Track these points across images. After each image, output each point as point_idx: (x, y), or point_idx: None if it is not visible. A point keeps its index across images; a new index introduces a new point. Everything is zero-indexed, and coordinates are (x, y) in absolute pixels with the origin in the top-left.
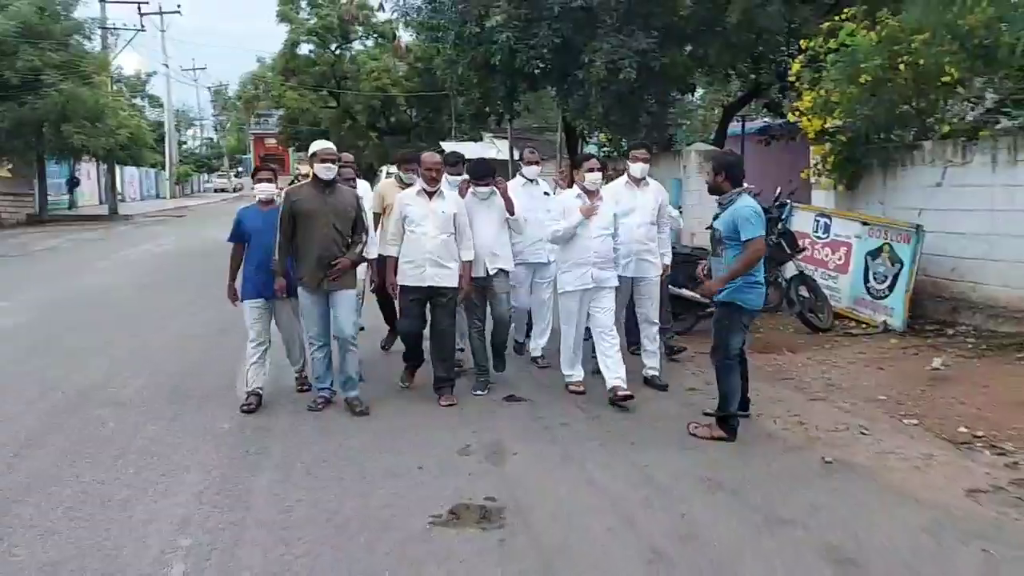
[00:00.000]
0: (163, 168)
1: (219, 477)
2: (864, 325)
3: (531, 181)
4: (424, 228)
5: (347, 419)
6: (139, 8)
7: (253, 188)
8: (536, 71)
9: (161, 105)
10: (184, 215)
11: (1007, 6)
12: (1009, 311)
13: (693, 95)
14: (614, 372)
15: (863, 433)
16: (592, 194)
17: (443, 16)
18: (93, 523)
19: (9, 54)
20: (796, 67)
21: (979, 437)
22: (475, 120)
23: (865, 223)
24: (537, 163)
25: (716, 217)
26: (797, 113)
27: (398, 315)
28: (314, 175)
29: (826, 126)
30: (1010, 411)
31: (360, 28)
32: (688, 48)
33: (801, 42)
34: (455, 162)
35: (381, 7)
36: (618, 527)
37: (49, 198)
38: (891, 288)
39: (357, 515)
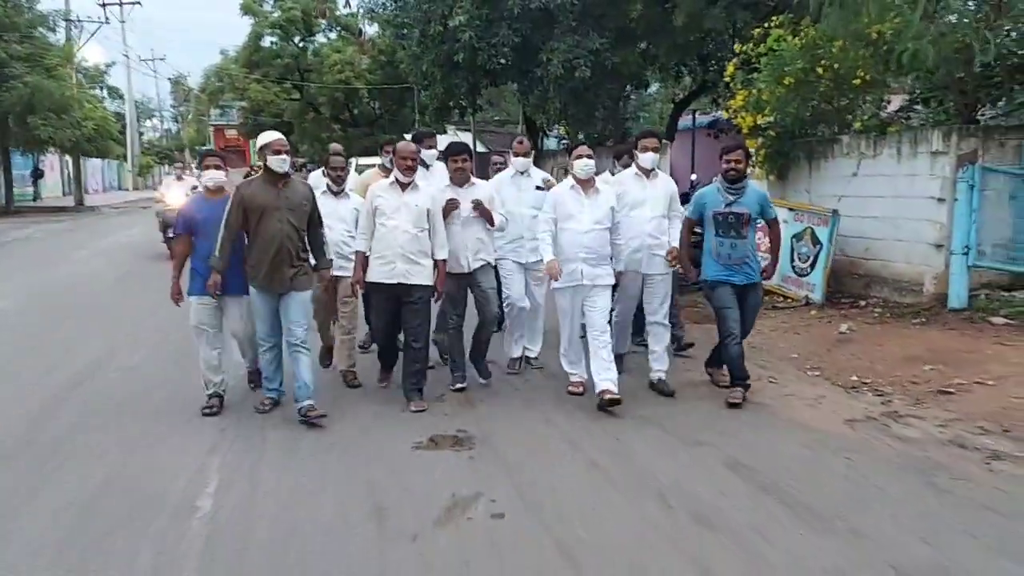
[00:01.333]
0: (125, 160)
1: (235, 421)
2: (789, 300)
3: (521, 173)
4: (396, 221)
5: (335, 389)
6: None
7: (200, 176)
8: (497, 68)
9: (121, 96)
10: (149, 207)
11: (903, 20)
12: (910, 284)
13: (647, 91)
14: (604, 375)
15: (771, 382)
16: (586, 183)
17: (408, 15)
18: (137, 450)
19: None
20: (731, 69)
21: (866, 383)
22: (438, 113)
23: (791, 209)
24: (527, 154)
25: (731, 203)
26: (731, 110)
27: (371, 314)
28: (266, 167)
29: (758, 122)
30: (895, 364)
31: (324, 22)
32: (640, 48)
33: (736, 46)
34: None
35: (347, 3)
36: (565, 449)
37: (14, 190)
38: (812, 266)
39: (355, 443)
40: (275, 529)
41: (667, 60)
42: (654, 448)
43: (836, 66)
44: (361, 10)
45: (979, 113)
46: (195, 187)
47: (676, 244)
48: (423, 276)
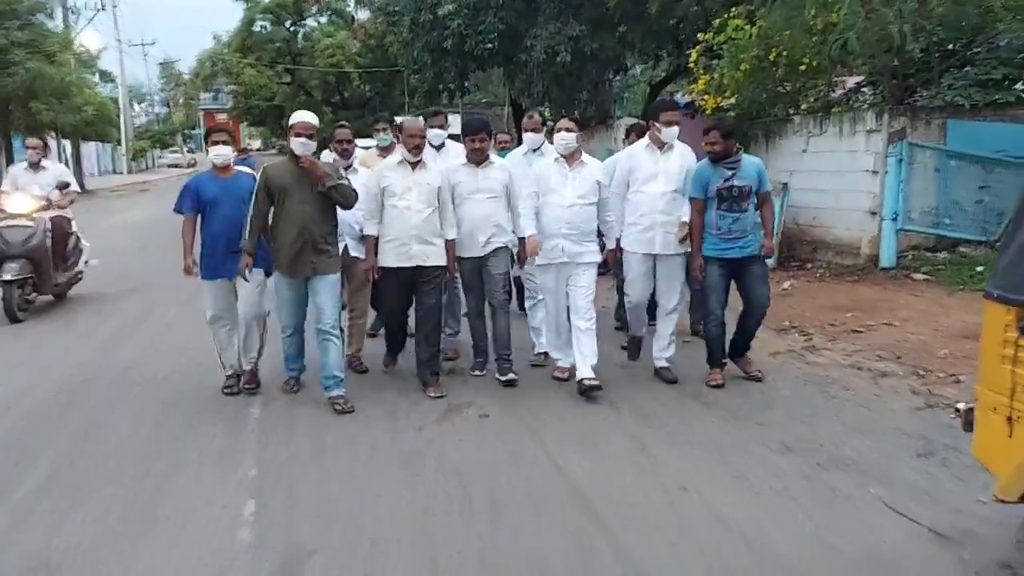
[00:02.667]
0: (119, 143)
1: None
2: None
3: (534, 151)
4: (407, 202)
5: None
6: None
7: (207, 152)
8: (484, 54)
9: (113, 81)
10: (147, 189)
11: (840, 14)
12: (849, 248)
13: (626, 74)
14: (585, 359)
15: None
16: (571, 157)
17: (399, 3)
18: (192, 372)
19: None
20: (695, 55)
21: (794, 327)
22: (428, 96)
23: None
24: (537, 129)
25: (729, 177)
26: (694, 93)
27: (381, 298)
28: (291, 151)
29: (720, 104)
30: (822, 312)
31: (315, 8)
32: (618, 34)
33: (698, 35)
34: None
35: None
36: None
37: None
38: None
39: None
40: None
41: (643, 45)
42: (625, 373)
43: (786, 53)
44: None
45: (915, 96)
46: (67, 184)
47: (685, 212)
48: (438, 256)
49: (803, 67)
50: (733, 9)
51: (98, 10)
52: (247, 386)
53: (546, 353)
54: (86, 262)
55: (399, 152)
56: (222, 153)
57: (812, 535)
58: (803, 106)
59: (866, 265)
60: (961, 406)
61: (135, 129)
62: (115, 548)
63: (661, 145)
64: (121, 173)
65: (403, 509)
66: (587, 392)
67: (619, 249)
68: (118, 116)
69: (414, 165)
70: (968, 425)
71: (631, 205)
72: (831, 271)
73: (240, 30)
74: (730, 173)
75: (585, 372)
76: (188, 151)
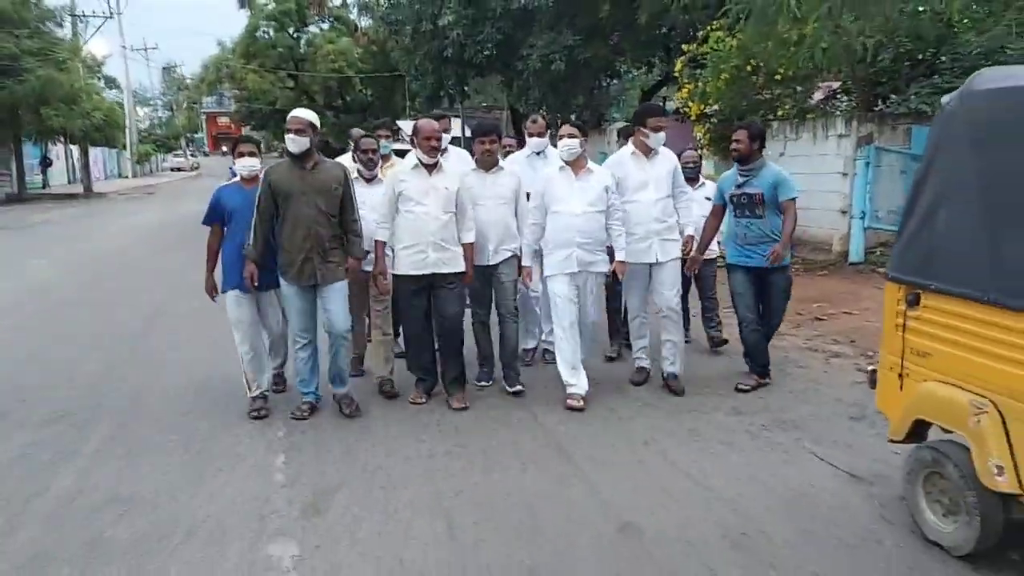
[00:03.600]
0: (124, 148)
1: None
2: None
3: (537, 154)
4: (425, 207)
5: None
6: None
7: (233, 164)
8: (483, 62)
9: (118, 86)
10: (153, 192)
11: (809, 27)
12: (823, 244)
13: (621, 79)
14: (580, 381)
15: (694, 317)
16: (576, 164)
17: (401, 13)
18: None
19: None
20: (679, 65)
21: None
22: (429, 101)
23: None
24: (542, 133)
25: (741, 184)
26: (679, 100)
27: (399, 311)
28: (288, 152)
29: (704, 110)
30: (792, 303)
31: (317, 16)
32: (610, 43)
33: (684, 46)
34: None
35: (344, 4)
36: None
37: (25, 178)
38: None
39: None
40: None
41: (634, 53)
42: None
43: (762, 64)
44: (356, 7)
45: (884, 103)
46: None
47: (685, 224)
48: (455, 263)
49: (779, 77)
50: (715, 22)
51: (106, 18)
52: (274, 387)
53: (534, 351)
54: None
55: (414, 155)
56: (248, 164)
57: (748, 476)
58: (779, 113)
59: (837, 260)
60: (869, 368)
61: (139, 133)
62: (174, 487)
63: (648, 151)
64: (126, 177)
65: (412, 457)
66: (571, 408)
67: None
68: (124, 121)
69: (430, 168)
70: (872, 383)
71: (623, 215)
72: (805, 266)
73: (244, 36)
74: (743, 180)
75: (574, 388)
76: (191, 154)
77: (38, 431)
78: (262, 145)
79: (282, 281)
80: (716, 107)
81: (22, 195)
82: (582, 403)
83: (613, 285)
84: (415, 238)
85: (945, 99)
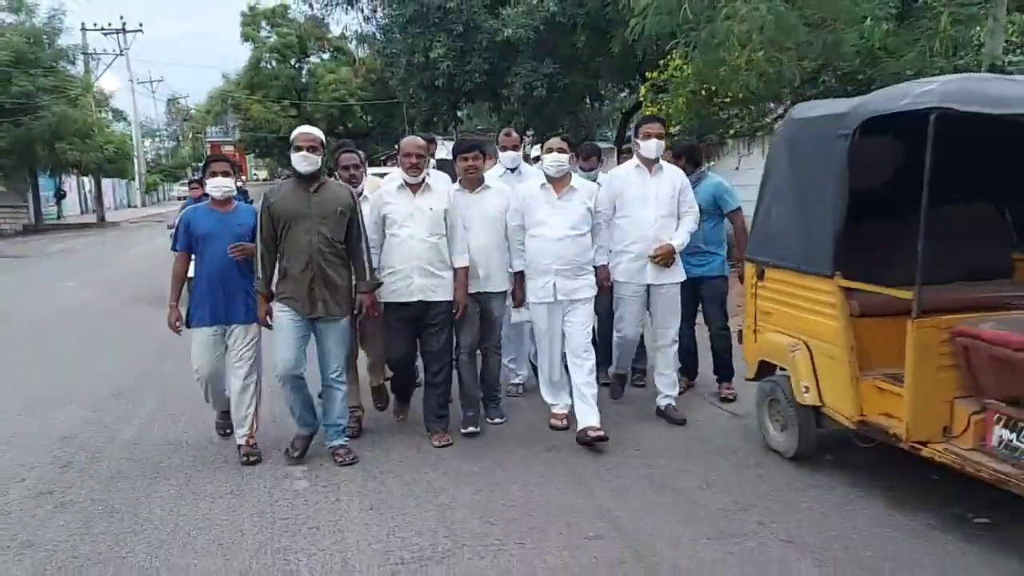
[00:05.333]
0: (133, 178)
1: None
2: None
3: (512, 171)
4: (410, 229)
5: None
6: (104, 31)
7: (206, 183)
8: (471, 90)
9: (125, 119)
10: (162, 220)
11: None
12: None
13: (602, 102)
14: (586, 406)
15: None
16: (559, 183)
17: (395, 46)
18: None
19: (3, 80)
20: (643, 90)
21: None
22: (424, 127)
23: None
24: (516, 147)
25: None
26: None
27: (383, 338)
28: (294, 170)
29: (669, 131)
30: (737, 298)
31: (318, 47)
32: (588, 70)
33: (646, 73)
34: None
35: (343, 36)
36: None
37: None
38: None
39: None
40: None
41: (610, 79)
42: None
43: (714, 89)
44: (354, 40)
45: None
46: None
47: (678, 233)
48: (444, 291)
49: (728, 99)
50: (673, 51)
51: (116, 55)
52: (247, 458)
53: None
54: None
55: (399, 175)
56: (221, 185)
57: (658, 419)
58: (732, 131)
59: None
60: (736, 329)
61: (147, 164)
62: (214, 436)
63: (651, 165)
64: (136, 206)
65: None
66: (592, 443)
67: (605, 270)
68: (133, 152)
69: (415, 188)
70: (740, 339)
71: (619, 231)
72: None
73: (248, 69)
74: None
75: (591, 420)
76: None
77: (102, 403)
78: (271, 173)
79: (277, 308)
80: (678, 128)
81: (38, 226)
82: (566, 421)
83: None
84: (400, 263)
85: (777, 125)
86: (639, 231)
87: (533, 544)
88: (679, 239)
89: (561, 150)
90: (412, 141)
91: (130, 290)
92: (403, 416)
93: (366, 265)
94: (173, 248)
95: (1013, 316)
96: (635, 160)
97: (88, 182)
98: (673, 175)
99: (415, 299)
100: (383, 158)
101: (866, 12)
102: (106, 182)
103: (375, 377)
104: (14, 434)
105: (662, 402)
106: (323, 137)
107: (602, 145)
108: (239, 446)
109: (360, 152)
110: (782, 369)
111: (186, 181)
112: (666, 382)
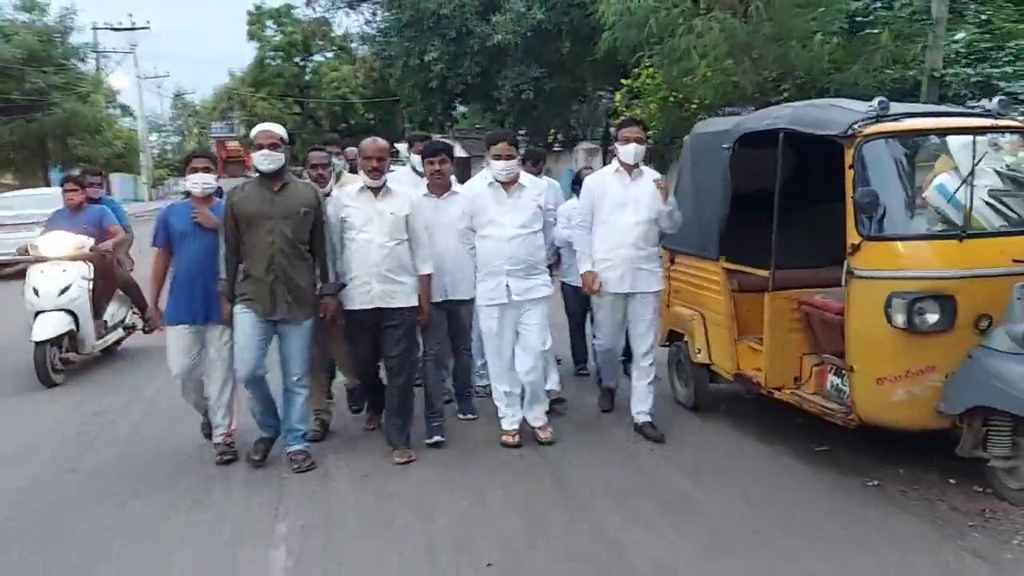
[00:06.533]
0: (140, 173)
1: None
2: None
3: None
4: (368, 234)
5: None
6: (113, 28)
7: (185, 180)
8: (463, 91)
9: (132, 114)
10: None
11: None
12: None
13: (590, 104)
14: (534, 409)
15: None
16: (507, 185)
17: (392, 49)
18: None
19: (16, 78)
20: (619, 97)
21: None
22: (422, 126)
23: None
24: (511, 156)
25: None
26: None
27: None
28: (255, 167)
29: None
30: None
31: (321, 42)
32: (573, 74)
33: (621, 80)
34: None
35: (346, 36)
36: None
37: None
38: None
39: None
40: None
41: (594, 83)
42: None
43: (680, 96)
44: (356, 40)
45: None
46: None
47: (670, 201)
48: (405, 297)
49: (695, 105)
50: (647, 59)
51: (125, 53)
52: (222, 456)
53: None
54: (136, 313)
55: (360, 178)
56: (200, 181)
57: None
58: None
59: None
60: None
61: (154, 159)
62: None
63: (631, 169)
64: (143, 200)
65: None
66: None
67: (591, 275)
68: (140, 147)
69: (376, 192)
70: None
71: (598, 238)
72: None
73: (253, 67)
74: None
75: (535, 422)
76: None
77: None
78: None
79: (238, 309)
80: (650, 132)
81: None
82: (517, 438)
83: (577, 300)
84: (358, 269)
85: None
86: (618, 237)
87: None
88: (672, 204)
89: (509, 157)
90: (373, 143)
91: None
92: (374, 425)
93: (330, 267)
94: (152, 244)
95: (839, 290)
96: (615, 164)
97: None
98: (654, 179)
99: (373, 306)
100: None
101: (816, 28)
102: (114, 177)
103: (349, 379)
104: None
105: (639, 419)
106: (284, 134)
107: (589, 145)
108: (215, 444)
109: (331, 149)
110: (682, 334)
111: None
112: (640, 395)
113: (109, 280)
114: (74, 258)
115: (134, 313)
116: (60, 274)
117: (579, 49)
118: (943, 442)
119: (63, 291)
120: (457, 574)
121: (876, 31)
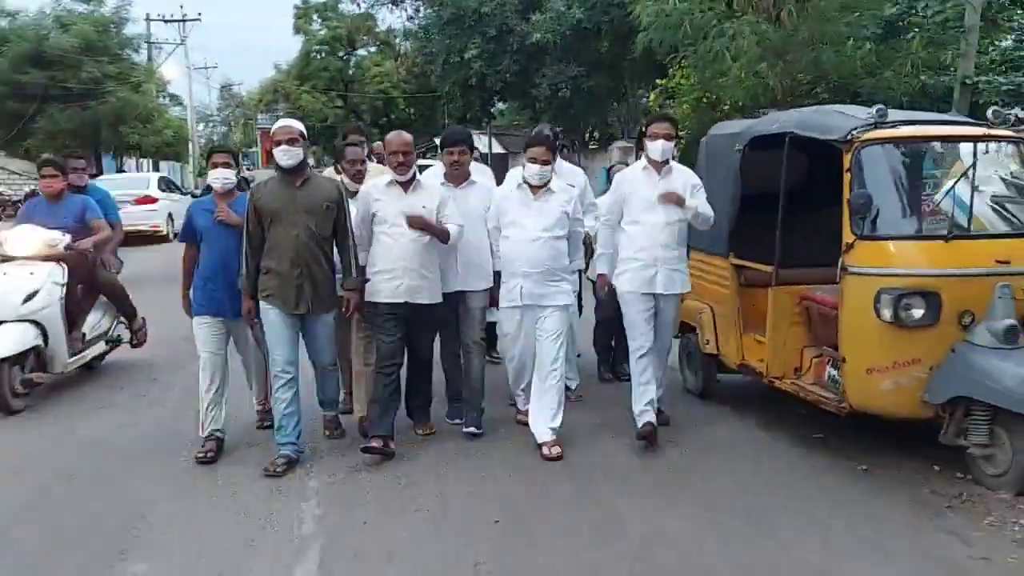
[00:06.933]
0: (187, 162)
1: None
2: None
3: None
4: (400, 228)
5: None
6: (166, 20)
7: (207, 175)
8: (502, 88)
9: (181, 103)
10: None
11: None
12: None
13: (627, 103)
14: (543, 423)
15: None
16: (535, 188)
17: (434, 47)
18: None
19: (72, 67)
20: (653, 96)
21: None
22: (460, 122)
23: None
24: (547, 161)
25: None
26: None
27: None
28: (276, 164)
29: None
30: None
31: (365, 37)
32: (610, 73)
33: (656, 80)
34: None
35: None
36: None
37: None
38: None
39: None
40: None
41: (631, 82)
42: None
43: (715, 97)
44: (399, 35)
45: None
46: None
47: (692, 201)
48: (431, 294)
49: (727, 107)
50: (679, 63)
51: (176, 45)
52: (262, 423)
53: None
54: (122, 323)
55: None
56: (221, 177)
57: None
58: None
59: None
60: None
61: (200, 148)
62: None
63: (659, 166)
64: (189, 189)
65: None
66: (550, 459)
67: (605, 279)
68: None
69: (405, 186)
70: None
71: (627, 237)
72: None
73: (299, 60)
74: None
75: (544, 436)
76: (246, 168)
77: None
78: (318, 160)
79: (263, 306)
80: (683, 132)
81: None
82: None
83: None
84: (389, 263)
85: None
86: (648, 237)
87: None
88: (698, 201)
89: (545, 162)
90: (398, 137)
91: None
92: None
93: (352, 261)
94: (181, 239)
95: (838, 286)
96: (643, 161)
97: (147, 164)
98: (685, 176)
99: (401, 300)
100: (423, 150)
101: (850, 33)
102: (163, 165)
103: (360, 407)
104: None
105: (641, 419)
106: (303, 129)
107: (624, 144)
108: (256, 411)
109: (366, 144)
110: (696, 328)
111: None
112: (647, 397)
113: (90, 284)
114: (45, 258)
115: (120, 323)
116: (26, 277)
117: (618, 48)
118: (928, 431)
119: (28, 298)
120: (467, 528)
121: (908, 37)
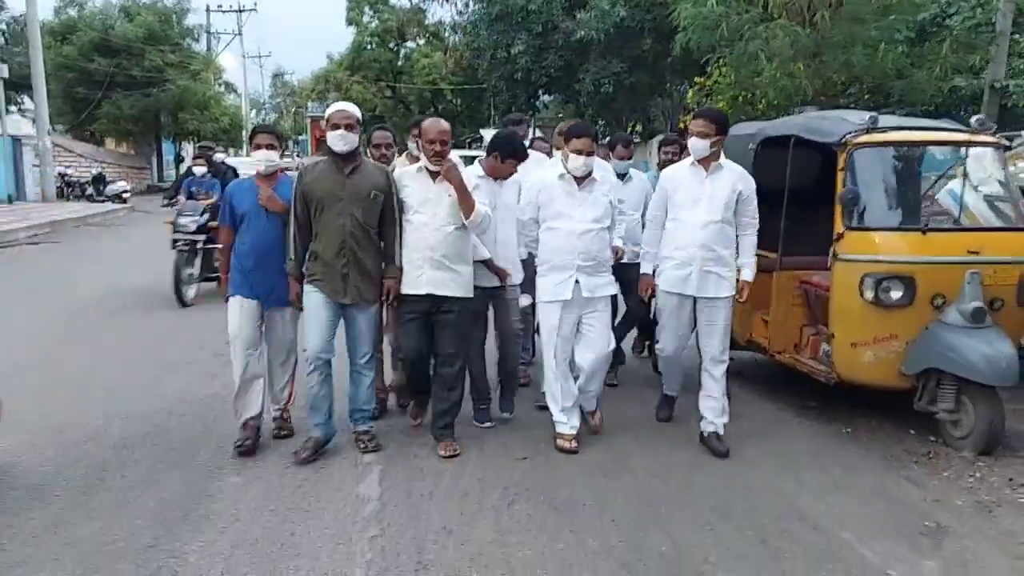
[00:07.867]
0: (241, 148)
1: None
2: None
3: (620, 177)
4: (424, 216)
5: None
6: (223, 10)
7: (251, 156)
8: (546, 83)
9: (235, 91)
10: None
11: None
12: None
13: (670, 99)
14: (571, 420)
15: None
16: (579, 179)
17: (481, 41)
18: None
19: (136, 55)
20: (691, 94)
21: None
22: (505, 114)
23: None
24: (591, 152)
25: None
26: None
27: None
28: (329, 148)
29: None
30: None
31: (415, 30)
32: (651, 70)
33: (696, 78)
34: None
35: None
36: None
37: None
38: None
39: None
40: None
41: (673, 79)
42: None
43: (750, 95)
44: (448, 29)
45: None
46: None
47: (745, 259)
48: (459, 286)
49: (761, 105)
50: (717, 61)
51: (234, 35)
52: (279, 432)
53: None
54: None
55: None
56: (264, 158)
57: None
58: None
59: None
60: None
61: None
62: None
63: (708, 163)
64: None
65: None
66: (563, 451)
67: (649, 280)
68: (243, 123)
69: (435, 174)
70: None
71: (667, 235)
72: None
73: (351, 51)
74: None
75: (564, 430)
76: (297, 155)
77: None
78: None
79: (307, 288)
80: None
81: (161, 186)
82: (575, 444)
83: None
84: (412, 252)
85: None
86: (687, 236)
87: None
88: (750, 269)
89: (590, 153)
90: (435, 125)
91: None
92: (420, 420)
93: (396, 250)
94: (220, 221)
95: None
96: (691, 158)
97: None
98: (735, 178)
99: (423, 292)
100: (468, 140)
101: (882, 37)
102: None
103: (398, 375)
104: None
105: (706, 428)
106: (360, 115)
107: (659, 138)
108: (273, 419)
109: (391, 131)
110: None
111: (288, 153)
112: (712, 406)
113: None
114: None
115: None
116: None
117: (660, 46)
118: (907, 401)
119: None
120: (501, 463)
121: (939, 41)
